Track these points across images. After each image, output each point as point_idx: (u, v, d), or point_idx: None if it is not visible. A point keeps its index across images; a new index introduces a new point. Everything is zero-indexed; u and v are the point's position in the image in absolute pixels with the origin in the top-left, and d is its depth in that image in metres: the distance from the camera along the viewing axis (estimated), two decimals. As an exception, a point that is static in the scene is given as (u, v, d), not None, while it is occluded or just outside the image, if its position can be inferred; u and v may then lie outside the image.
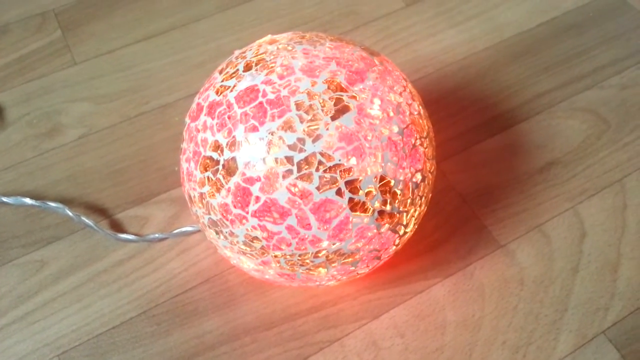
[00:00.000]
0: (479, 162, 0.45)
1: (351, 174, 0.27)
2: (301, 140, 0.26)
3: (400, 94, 0.29)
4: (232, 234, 0.29)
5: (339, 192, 0.27)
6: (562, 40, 0.52)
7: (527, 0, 0.54)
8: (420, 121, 0.30)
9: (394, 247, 0.31)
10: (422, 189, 0.30)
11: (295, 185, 0.26)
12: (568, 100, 0.48)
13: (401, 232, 0.30)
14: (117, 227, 0.42)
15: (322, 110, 0.27)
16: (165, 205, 0.42)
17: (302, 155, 0.26)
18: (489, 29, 0.52)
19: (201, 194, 0.29)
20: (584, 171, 0.44)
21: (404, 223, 0.30)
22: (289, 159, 0.26)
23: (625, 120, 0.47)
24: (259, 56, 0.29)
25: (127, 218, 0.42)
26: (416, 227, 0.33)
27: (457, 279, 0.39)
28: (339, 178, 0.26)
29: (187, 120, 0.31)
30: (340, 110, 0.27)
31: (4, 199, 0.40)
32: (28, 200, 0.40)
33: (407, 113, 0.29)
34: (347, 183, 0.27)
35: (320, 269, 0.29)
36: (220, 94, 0.29)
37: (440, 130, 0.46)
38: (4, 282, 0.39)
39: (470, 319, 0.38)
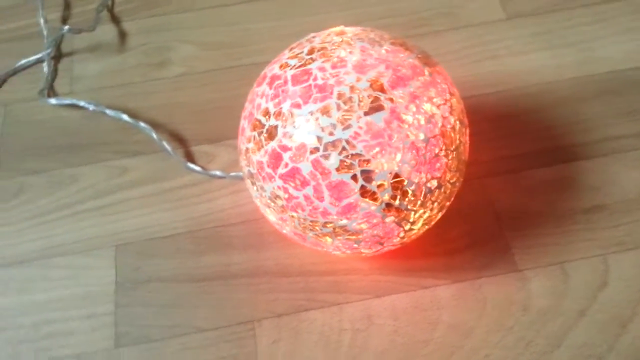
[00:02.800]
0: (525, 187, 0.46)
1: (368, 165, 0.30)
2: (333, 126, 0.30)
3: (439, 106, 0.32)
4: (262, 188, 0.34)
5: (354, 177, 0.30)
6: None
7: (633, 40, 0.52)
8: (452, 135, 0.33)
9: (398, 239, 0.34)
10: (436, 195, 0.33)
11: (318, 162, 0.31)
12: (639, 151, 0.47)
13: (406, 227, 0.33)
14: (189, 157, 0.49)
15: (359, 105, 0.30)
16: (232, 149, 0.49)
17: (331, 139, 0.30)
18: (582, 59, 0.52)
19: (247, 149, 0.34)
20: (629, 224, 0.44)
21: (411, 220, 0.33)
22: (319, 139, 0.30)
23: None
24: (323, 44, 0.33)
25: (199, 152, 0.49)
26: (426, 227, 0.36)
27: (464, 287, 0.42)
28: (356, 166, 0.30)
29: (255, 84, 0.36)
30: (375, 108, 0.30)
31: (107, 111, 0.49)
32: (125, 117, 0.48)
33: (439, 125, 0.32)
34: (363, 172, 0.30)
35: (327, 237, 0.34)
36: (282, 69, 0.33)
37: (498, 147, 0.48)
38: (91, 177, 0.48)
39: (464, 325, 0.40)
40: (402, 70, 0.32)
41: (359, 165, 0.30)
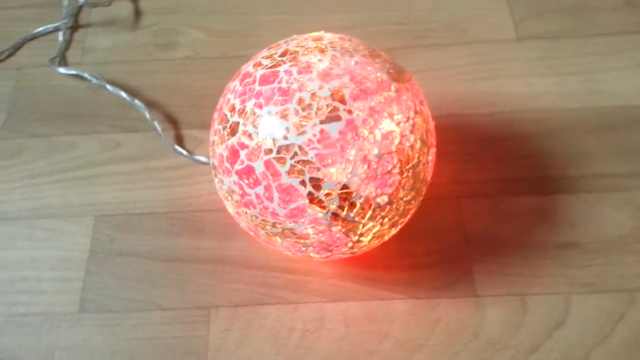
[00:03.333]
0: (501, 213, 0.45)
1: (317, 173, 0.31)
2: (288, 130, 0.31)
3: (399, 123, 0.32)
4: (221, 181, 0.35)
5: (302, 183, 0.31)
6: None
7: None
8: (410, 153, 0.33)
9: (347, 248, 0.35)
10: (387, 211, 0.33)
11: (270, 163, 0.31)
12: (628, 192, 0.46)
13: (354, 239, 0.34)
14: (179, 139, 0.50)
15: (316, 112, 0.31)
16: (219, 138, 0.50)
17: (284, 142, 0.31)
18: (587, 90, 0.50)
19: (213, 141, 0.35)
20: (601, 266, 0.43)
21: (359, 232, 0.33)
22: (274, 141, 0.31)
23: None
24: (298, 47, 0.34)
25: (189, 136, 0.50)
26: (378, 241, 0.36)
27: (420, 304, 0.42)
28: (306, 172, 0.31)
29: (232, 78, 0.37)
30: (332, 117, 0.31)
31: (107, 86, 0.51)
32: (123, 93, 0.50)
33: (396, 142, 0.32)
34: (312, 179, 0.31)
35: (277, 237, 0.34)
36: (255, 67, 0.34)
37: (482, 169, 0.47)
38: (86, 147, 0.50)
39: (412, 342, 0.41)
40: (366, 83, 0.32)
41: (309, 172, 0.31)
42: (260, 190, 0.32)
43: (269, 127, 0.31)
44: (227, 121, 0.33)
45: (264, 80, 0.33)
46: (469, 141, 0.49)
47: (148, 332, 0.42)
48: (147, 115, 0.49)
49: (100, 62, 0.55)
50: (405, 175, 0.33)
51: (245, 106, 0.32)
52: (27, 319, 0.43)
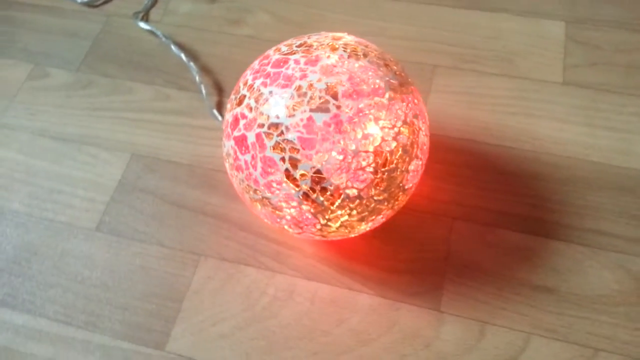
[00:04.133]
0: (489, 242, 0.46)
1: (296, 153, 0.34)
2: (281, 110, 0.35)
3: (383, 128, 0.35)
4: (224, 144, 0.39)
5: (283, 160, 0.35)
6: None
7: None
8: (388, 157, 0.36)
9: (316, 230, 0.38)
10: (356, 204, 0.36)
11: (260, 136, 0.35)
12: (624, 255, 0.45)
13: (322, 222, 0.37)
14: (218, 106, 0.55)
15: (309, 101, 0.34)
16: (253, 111, 0.54)
17: (275, 120, 0.35)
18: (617, 148, 0.50)
19: (227, 107, 0.40)
20: (572, 318, 0.43)
21: (327, 217, 0.37)
22: (267, 117, 0.35)
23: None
24: (315, 42, 0.37)
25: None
26: (348, 231, 0.39)
27: (384, 303, 0.44)
28: (287, 150, 0.35)
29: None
30: (321, 108, 0.34)
31: (172, 46, 0.57)
32: (182, 55, 0.56)
33: (376, 144, 0.35)
34: (291, 158, 0.35)
35: (257, 204, 0.38)
36: (275, 52, 0.38)
37: (485, 197, 0.48)
38: (143, 93, 0.57)
39: (366, 334, 0.43)
40: (362, 86, 0.35)
41: (289, 151, 0.35)
42: (248, 157, 0.36)
43: (267, 105, 0.35)
44: (238, 92, 0.38)
45: (276, 64, 0.37)
46: (481, 169, 0.50)
47: (145, 262, 0.48)
48: (197, 78, 0.55)
49: (175, 24, 0.62)
50: (379, 175, 0.36)
51: (254, 83, 0.37)
52: (52, 224, 0.50)
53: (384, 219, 0.40)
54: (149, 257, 0.48)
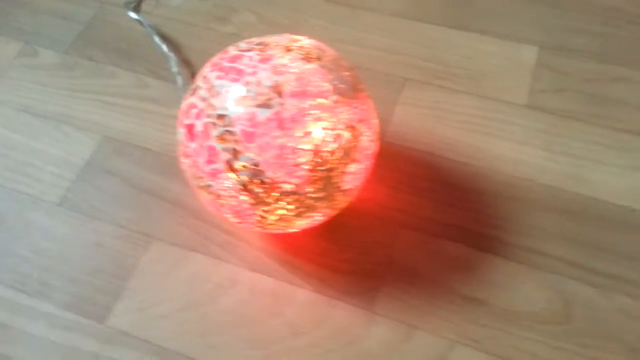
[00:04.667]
0: (430, 251, 0.48)
1: (238, 145, 0.36)
2: (229, 103, 0.37)
3: (324, 129, 0.37)
4: (178, 131, 0.41)
5: (225, 150, 0.37)
6: (633, 235, 0.48)
7: (634, 179, 0.50)
8: (327, 157, 0.37)
9: (254, 220, 0.40)
10: (293, 200, 0.38)
11: (207, 126, 0.37)
12: (557, 276, 0.46)
13: (259, 213, 0.39)
14: (193, 97, 0.57)
15: (255, 96, 0.36)
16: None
17: (222, 112, 0.37)
18: (571, 174, 0.51)
19: (186, 96, 0.42)
20: (497, 331, 0.44)
21: (265, 209, 0.38)
22: (214, 108, 0.37)
23: (590, 336, 0.44)
24: (274, 41, 0.39)
25: (203, 97, 0.57)
26: (285, 225, 0.40)
27: (321, 299, 0.46)
28: (230, 141, 0.36)
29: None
30: (265, 104, 0.36)
31: (155, 37, 0.59)
32: (164, 47, 0.58)
33: (315, 143, 0.37)
34: (233, 149, 0.36)
35: (202, 191, 0.40)
36: (235, 47, 0.40)
37: (435, 209, 0.50)
38: (124, 79, 0.59)
39: (298, 327, 0.45)
40: (308, 87, 0.37)
41: (232, 143, 0.36)
42: (194, 145, 0.38)
43: (217, 97, 0.37)
44: (193, 82, 0.40)
45: (232, 59, 0.39)
46: (436, 181, 0.51)
47: (99, 239, 0.49)
48: (175, 69, 0.57)
49: (164, 17, 0.64)
50: (316, 174, 0.37)
51: (209, 75, 0.39)
52: (20, 196, 0.52)
53: (323, 217, 0.42)
54: (104, 235, 0.50)
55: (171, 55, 0.58)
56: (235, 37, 0.62)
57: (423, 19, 0.62)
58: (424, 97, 0.56)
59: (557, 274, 0.46)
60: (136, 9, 0.65)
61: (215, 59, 0.40)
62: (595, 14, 0.61)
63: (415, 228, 0.49)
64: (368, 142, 0.40)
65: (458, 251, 0.48)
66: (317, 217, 0.41)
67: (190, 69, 0.59)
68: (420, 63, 0.59)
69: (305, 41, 0.41)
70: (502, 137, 0.54)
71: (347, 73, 0.40)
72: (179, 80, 0.57)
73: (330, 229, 0.49)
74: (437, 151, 0.53)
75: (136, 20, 0.63)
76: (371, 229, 0.49)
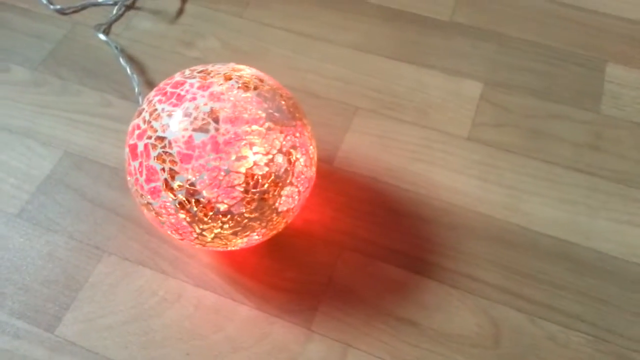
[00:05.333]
0: (369, 273, 0.50)
1: (175, 166, 0.39)
2: (168, 126, 0.39)
3: (256, 153, 0.40)
4: (125, 151, 0.44)
5: (163, 170, 0.39)
6: (558, 264, 0.51)
7: (565, 212, 0.53)
8: (260, 180, 0.40)
9: (193, 238, 0.42)
10: (228, 219, 0.40)
11: (147, 146, 0.40)
12: (489, 302, 0.49)
13: (197, 231, 0.41)
14: (154, 118, 0.60)
15: (192, 121, 0.39)
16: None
17: (161, 134, 0.39)
18: (505, 204, 0.54)
19: (133, 117, 0.44)
20: (426, 351, 0.46)
21: (202, 227, 0.41)
22: (155, 130, 0.40)
23: None
24: (215, 70, 0.42)
25: (164, 118, 0.60)
26: (223, 243, 0.43)
27: (261, 316, 0.48)
28: (167, 162, 0.39)
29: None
30: (202, 128, 0.39)
31: (121, 58, 0.62)
32: (128, 69, 0.61)
33: (247, 166, 0.39)
34: (170, 170, 0.39)
35: (144, 208, 0.43)
36: (180, 74, 0.43)
37: (376, 232, 0.52)
38: (87, 97, 0.62)
39: (238, 343, 0.47)
40: (243, 114, 0.40)
41: (170, 163, 0.39)
42: (136, 164, 0.41)
43: (157, 120, 0.40)
44: (141, 106, 0.43)
45: (175, 85, 0.41)
46: (378, 206, 0.54)
47: (53, 250, 0.51)
48: (137, 89, 0.60)
49: (132, 39, 0.67)
50: (249, 195, 0.40)
51: (153, 99, 0.41)
52: (-21, 205, 0.54)
53: (261, 237, 0.44)
54: (58, 247, 0.52)
55: (134, 76, 0.61)
56: (198, 62, 0.65)
57: (376, 51, 0.65)
58: (372, 125, 0.60)
59: (489, 299, 0.49)
60: (106, 31, 0.68)
61: (161, 84, 0.43)
62: (540, 54, 0.65)
63: (356, 250, 0.51)
64: (303, 167, 0.43)
65: (396, 274, 0.50)
66: (255, 237, 0.44)
67: (150, 90, 0.62)
68: (371, 93, 0.62)
69: (246, 71, 0.44)
70: (441, 165, 0.57)
71: (284, 102, 0.43)
72: (141, 100, 0.59)
73: (274, 248, 0.51)
74: (382, 177, 0.56)
75: (105, 41, 0.66)
76: (314, 249, 0.52)
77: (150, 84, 0.62)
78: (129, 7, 0.70)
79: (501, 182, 0.56)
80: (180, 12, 0.70)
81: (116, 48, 0.64)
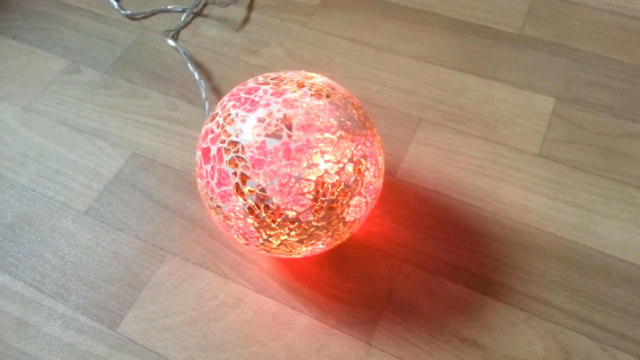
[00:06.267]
0: (431, 290, 0.49)
1: (247, 171, 0.39)
2: (241, 131, 0.39)
3: (327, 162, 0.39)
4: (196, 153, 0.44)
5: (235, 174, 0.39)
6: (632, 291, 0.48)
7: (638, 232, 0.51)
8: (330, 189, 0.39)
9: (259, 243, 0.42)
10: (295, 225, 0.40)
11: (220, 150, 0.40)
12: (558, 326, 0.47)
13: (264, 236, 0.41)
14: (218, 123, 0.61)
15: (266, 126, 0.39)
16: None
17: (234, 139, 0.40)
18: (576, 225, 0.52)
19: (206, 122, 0.45)
20: (492, 374, 0.45)
21: (269, 233, 0.41)
22: (228, 135, 0.40)
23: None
24: (288, 77, 0.42)
25: (228, 123, 0.61)
26: (288, 250, 0.43)
27: (320, 327, 0.47)
28: (240, 166, 0.39)
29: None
30: (275, 134, 0.39)
31: (189, 64, 0.63)
32: (196, 74, 0.62)
33: (319, 174, 0.39)
34: (242, 174, 0.39)
35: (213, 211, 0.43)
36: (253, 80, 0.43)
37: (439, 247, 0.51)
38: (155, 101, 0.63)
39: (297, 352, 0.46)
40: (315, 122, 0.39)
41: (242, 168, 0.39)
42: (208, 167, 0.41)
43: (231, 124, 0.40)
44: (214, 110, 0.43)
45: (248, 91, 0.42)
46: (441, 220, 0.53)
47: (119, 249, 0.52)
48: (204, 95, 0.61)
49: (200, 46, 0.68)
50: (318, 204, 0.39)
51: (227, 104, 0.42)
52: (50, 201, 0.56)
53: (326, 247, 0.44)
54: (124, 245, 0.53)
55: (201, 82, 0.62)
56: (263, 69, 0.65)
57: (441, 63, 0.64)
58: (436, 137, 0.58)
59: (558, 324, 0.47)
60: (174, 37, 0.69)
61: (234, 90, 0.43)
62: (616, 70, 0.62)
63: (417, 264, 0.50)
64: (372, 177, 0.42)
65: (459, 292, 0.49)
66: (320, 246, 0.43)
67: (219, 96, 0.63)
68: (435, 105, 0.61)
69: (318, 79, 0.43)
70: (510, 182, 0.55)
71: (355, 111, 0.42)
72: (207, 105, 0.60)
73: (335, 258, 0.50)
74: (445, 191, 0.55)
75: (173, 47, 0.67)
76: (374, 261, 0.51)
77: (215, 90, 0.63)
78: (197, 14, 0.72)
79: (573, 201, 0.53)
80: (246, 20, 0.71)
81: (184, 54, 0.65)
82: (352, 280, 0.50)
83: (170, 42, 0.67)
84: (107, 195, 0.56)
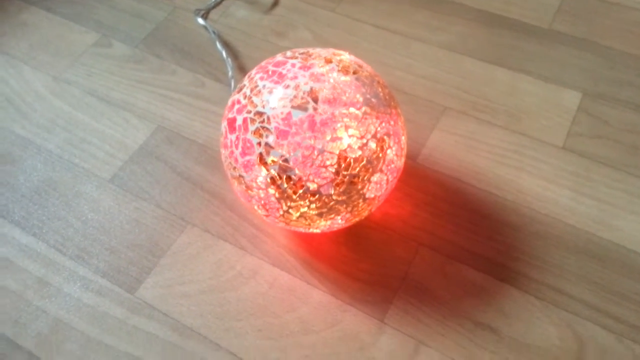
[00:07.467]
0: (447, 273, 0.49)
1: (270, 141, 0.39)
2: (268, 102, 0.40)
3: (351, 136, 0.40)
4: (222, 124, 0.45)
5: (259, 144, 0.40)
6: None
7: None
8: (352, 163, 0.40)
9: (279, 214, 0.43)
10: (316, 198, 0.41)
11: (245, 121, 0.41)
12: (574, 317, 0.46)
13: (284, 207, 0.42)
14: (243, 101, 0.61)
15: (292, 99, 0.40)
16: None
17: (261, 109, 0.40)
18: (596, 217, 0.51)
19: (232, 93, 0.46)
20: (505, 359, 0.45)
21: (289, 204, 0.41)
22: (255, 105, 0.40)
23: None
24: (317, 53, 0.43)
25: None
26: (307, 223, 0.43)
27: (334, 302, 0.48)
28: (264, 137, 0.40)
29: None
30: (300, 106, 0.39)
31: (217, 43, 0.64)
32: (224, 52, 0.63)
33: (342, 147, 0.39)
34: (266, 144, 0.40)
35: (235, 181, 0.44)
36: (282, 54, 0.44)
37: (458, 232, 0.51)
38: (182, 77, 0.64)
39: (310, 325, 0.47)
40: (342, 97, 0.40)
41: (265, 138, 0.40)
42: (233, 137, 0.42)
43: (258, 95, 0.41)
44: (241, 82, 0.44)
45: (276, 64, 0.42)
46: (460, 206, 0.53)
47: (140, 217, 0.54)
48: (230, 73, 0.62)
49: (229, 26, 0.69)
50: (340, 177, 0.40)
51: (255, 76, 0.42)
52: (75, 168, 0.57)
53: (344, 222, 0.44)
54: (145, 214, 0.54)
55: (228, 60, 0.63)
56: (283, 49, 0.66)
57: (468, 53, 0.64)
58: (460, 126, 0.58)
59: (574, 314, 0.46)
60: (204, 16, 0.70)
61: (262, 63, 0.44)
62: (645, 67, 0.61)
63: (434, 248, 0.50)
64: (394, 156, 0.43)
65: (474, 277, 0.49)
66: (339, 221, 0.43)
67: (245, 75, 0.64)
68: (461, 94, 0.61)
69: (345, 56, 0.44)
70: (531, 172, 0.55)
71: (380, 89, 0.43)
72: (233, 83, 0.61)
73: (352, 238, 0.51)
74: (466, 178, 0.55)
75: (202, 26, 0.68)
76: (391, 243, 0.51)
77: (241, 69, 0.64)
78: (227, -5, 0.72)
79: (594, 195, 0.53)
80: (275, 3, 0.71)
81: (213, 33, 0.66)
82: (368, 260, 0.50)
83: (200, 20, 0.68)
84: (132, 165, 0.57)
